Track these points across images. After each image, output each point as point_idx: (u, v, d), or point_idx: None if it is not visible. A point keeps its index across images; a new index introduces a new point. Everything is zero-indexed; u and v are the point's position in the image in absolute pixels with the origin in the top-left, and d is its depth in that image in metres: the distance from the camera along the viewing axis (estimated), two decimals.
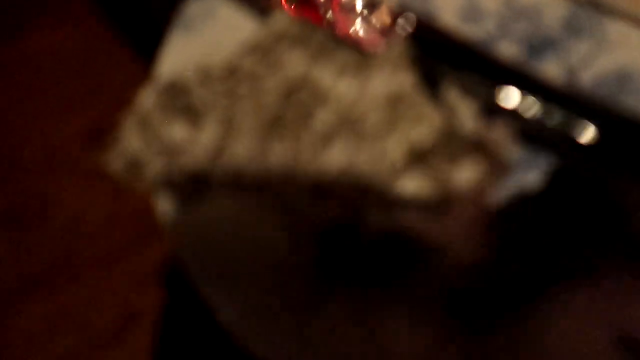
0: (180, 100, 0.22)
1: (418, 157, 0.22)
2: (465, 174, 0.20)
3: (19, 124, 0.27)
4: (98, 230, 0.23)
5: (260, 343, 0.19)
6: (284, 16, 0.23)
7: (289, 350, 0.19)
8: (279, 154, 0.20)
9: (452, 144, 0.22)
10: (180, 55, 0.25)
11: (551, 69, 0.26)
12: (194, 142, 0.21)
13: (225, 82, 0.23)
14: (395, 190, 0.22)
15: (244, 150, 0.20)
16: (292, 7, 0.27)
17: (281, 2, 0.27)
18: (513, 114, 0.23)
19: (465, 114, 0.22)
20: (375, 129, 0.20)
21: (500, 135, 0.20)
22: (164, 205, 0.22)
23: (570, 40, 0.26)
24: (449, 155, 0.22)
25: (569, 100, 0.22)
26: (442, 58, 0.23)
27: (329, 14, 0.26)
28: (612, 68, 0.25)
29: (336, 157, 0.20)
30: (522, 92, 0.23)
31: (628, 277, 0.19)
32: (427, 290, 0.20)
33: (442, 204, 0.20)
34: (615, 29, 0.27)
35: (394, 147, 0.21)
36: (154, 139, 0.21)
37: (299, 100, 0.21)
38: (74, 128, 0.27)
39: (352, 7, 0.26)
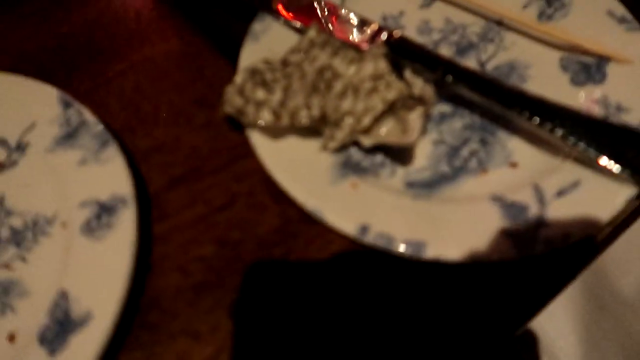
0: (258, 78, 0.40)
1: (390, 109, 0.40)
2: (415, 115, 0.38)
3: (153, 96, 0.45)
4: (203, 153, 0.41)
5: None
6: (314, 30, 0.41)
7: None
8: (316, 105, 0.38)
9: (408, 100, 0.40)
10: (253, 55, 0.43)
11: (470, 62, 0.44)
12: (270, 100, 0.39)
13: (282, 69, 0.41)
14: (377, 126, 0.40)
15: (296, 103, 0.38)
16: (289, 14, 0.45)
17: (278, 9, 0.45)
18: (439, 84, 0.41)
19: (417, 84, 0.40)
20: (366, 92, 0.38)
21: (431, 94, 0.38)
22: (255, 137, 0.40)
23: (482, 44, 0.45)
24: (407, 107, 0.40)
25: (476, 78, 0.40)
26: (405, 55, 0.41)
27: (330, 25, 0.44)
28: (505, 61, 0.44)
29: (345, 106, 0.38)
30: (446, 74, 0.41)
31: None
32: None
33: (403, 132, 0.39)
34: (509, 38, 0.45)
35: (376, 102, 0.39)
36: (247, 98, 0.39)
37: (325, 77, 0.39)
38: (188, 98, 0.45)
39: (347, 20, 0.44)
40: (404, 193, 0.38)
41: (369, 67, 0.39)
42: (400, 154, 0.40)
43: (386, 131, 0.40)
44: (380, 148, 0.40)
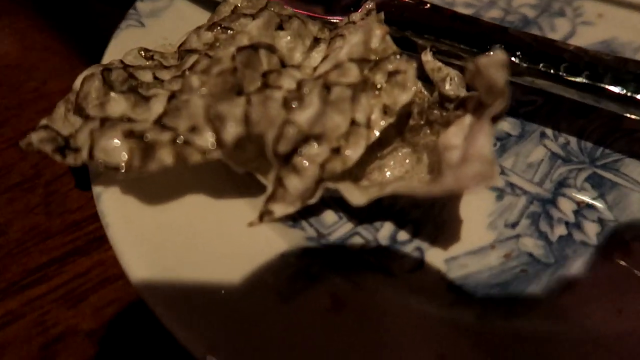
0: (119, 82, 0.19)
1: (400, 126, 0.20)
2: (455, 132, 0.17)
3: None
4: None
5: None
6: None
7: None
8: (234, 120, 0.17)
9: (435, 108, 0.19)
10: (127, 47, 0.22)
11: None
12: (140, 118, 0.17)
13: (177, 63, 0.20)
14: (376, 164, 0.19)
15: (195, 120, 0.17)
16: None
17: None
18: None
19: (448, 76, 0.19)
20: (348, 93, 0.18)
21: (502, 87, 0.17)
22: (107, 202, 0.18)
23: (546, 21, 0.25)
24: (436, 121, 0.19)
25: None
26: (420, 29, 0.21)
27: None
28: (593, 42, 0.24)
29: (303, 122, 0.17)
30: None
31: None
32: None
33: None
34: (592, 7, 0.26)
35: (373, 112, 0.18)
36: (87, 117, 0.18)
37: (258, 67, 0.18)
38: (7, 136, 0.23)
39: None
40: (445, 311, 0.16)
41: (353, 43, 0.18)
42: (426, 220, 0.19)
43: (396, 173, 0.19)
44: (383, 209, 0.19)
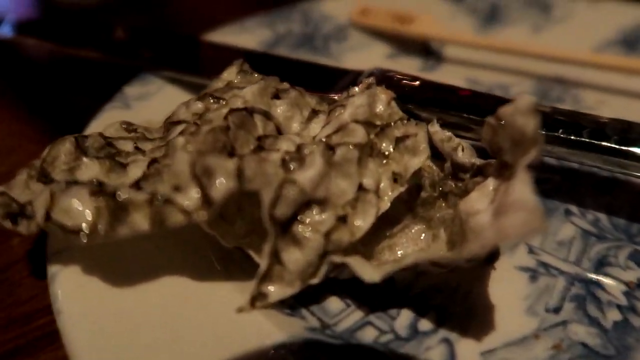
0: (94, 148, 0.16)
1: (412, 195, 0.17)
2: (480, 196, 0.15)
3: None
4: None
5: None
6: (237, 66, 0.20)
7: None
8: (224, 177, 0.14)
9: (448, 180, 0.17)
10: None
11: None
12: (115, 182, 0.15)
13: (162, 135, 0.18)
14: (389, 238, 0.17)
15: (176, 180, 0.14)
16: None
17: None
18: None
19: (459, 146, 0.18)
20: (353, 158, 0.16)
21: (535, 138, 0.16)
22: (63, 287, 0.14)
23: None
24: (450, 191, 0.17)
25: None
26: (424, 102, 0.20)
27: None
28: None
29: (306, 185, 0.15)
30: None
31: None
32: None
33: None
34: (589, 95, 0.25)
35: (381, 178, 0.16)
36: (50, 181, 0.15)
37: (253, 131, 0.16)
38: None
39: None
40: None
41: (357, 105, 0.17)
42: (452, 307, 0.16)
43: (409, 251, 0.17)
44: (398, 293, 0.16)
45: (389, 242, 0.17)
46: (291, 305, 0.16)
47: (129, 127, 0.19)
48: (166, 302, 0.15)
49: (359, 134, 0.16)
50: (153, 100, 0.23)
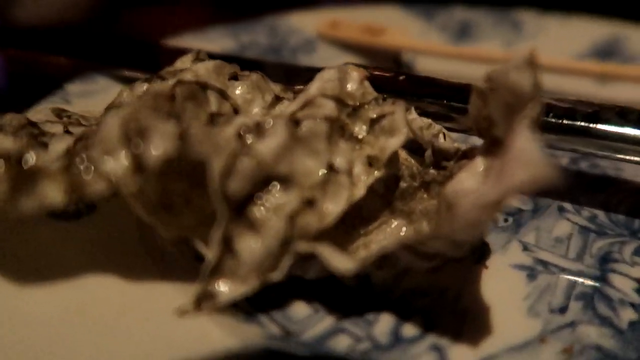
0: (13, 125, 0.14)
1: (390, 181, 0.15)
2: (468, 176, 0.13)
3: None
4: None
5: None
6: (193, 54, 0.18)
7: None
8: (163, 141, 0.12)
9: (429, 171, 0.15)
10: None
11: None
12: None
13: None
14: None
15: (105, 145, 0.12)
16: None
17: None
18: None
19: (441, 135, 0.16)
20: (323, 132, 0.13)
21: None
22: None
23: None
24: (432, 180, 0.15)
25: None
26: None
27: None
28: None
29: (266, 157, 0.12)
30: None
31: None
32: None
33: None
34: None
35: (355, 156, 0.14)
36: None
37: (204, 104, 0.14)
38: None
39: None
40: None
41: (326, 79, 0.15)
42: (441, 309, 0.13)
43: (393, 228, 0.14)
44: (375, 297, 0.13)
45: (365, 239, 0.15)
46: (247, 310, 0.13)
47: (62, 113, 0.16)
48: (87, 306, 0.12)
49: (328, 107, 0.14)
50: (97, 98, 0.21)
